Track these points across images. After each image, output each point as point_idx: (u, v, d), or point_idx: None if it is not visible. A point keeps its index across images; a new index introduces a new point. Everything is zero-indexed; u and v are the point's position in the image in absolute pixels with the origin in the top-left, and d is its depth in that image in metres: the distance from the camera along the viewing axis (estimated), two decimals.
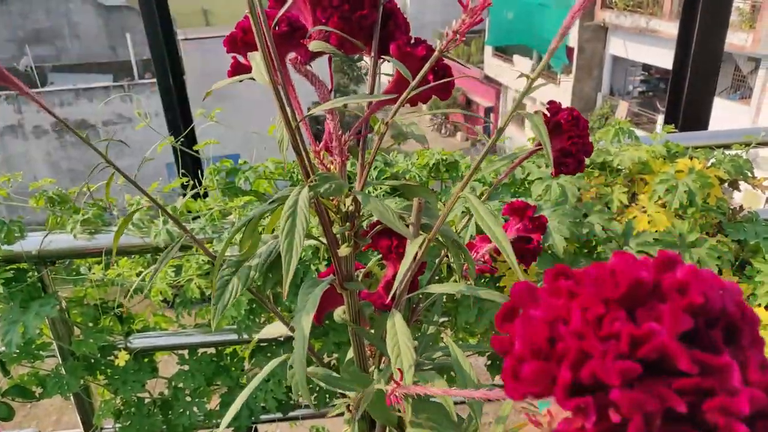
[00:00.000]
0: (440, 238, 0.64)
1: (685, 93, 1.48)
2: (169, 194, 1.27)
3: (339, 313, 0.71)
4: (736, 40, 8.99)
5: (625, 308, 0.23)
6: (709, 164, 1.21)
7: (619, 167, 1.20)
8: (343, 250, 0.63)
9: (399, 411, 0.66)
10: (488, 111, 15.12)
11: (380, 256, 0.73)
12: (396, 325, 0.57)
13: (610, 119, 12.13)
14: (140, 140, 1.13)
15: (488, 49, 14.35)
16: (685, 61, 1.46)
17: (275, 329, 0.77)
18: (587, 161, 1.20)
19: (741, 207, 1.26)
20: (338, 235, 0.63)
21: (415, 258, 0.59)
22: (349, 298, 0.67)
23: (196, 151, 1.21)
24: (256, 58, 0.56)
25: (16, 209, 1.20)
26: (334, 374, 0.66)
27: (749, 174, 1.24)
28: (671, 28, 9.91)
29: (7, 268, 1.11)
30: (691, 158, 1.19)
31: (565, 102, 12.69)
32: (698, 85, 1.46)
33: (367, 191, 0.65)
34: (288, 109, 0.55)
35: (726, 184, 1.26)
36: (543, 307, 0.24)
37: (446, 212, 0.56)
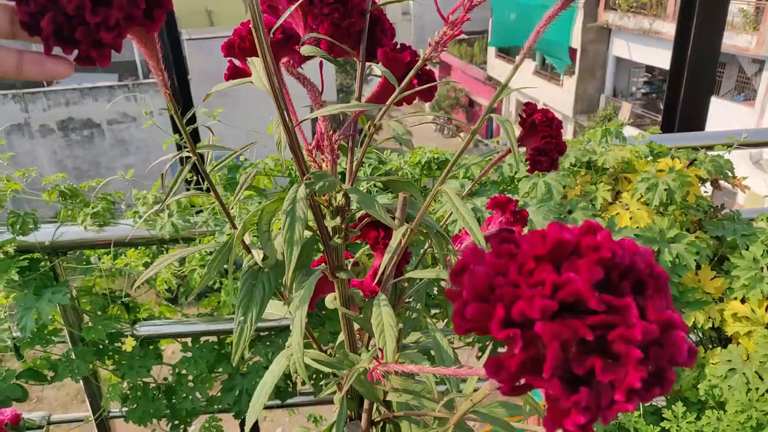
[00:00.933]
0: (424, 230, 0.70)
1: (682, 93, 1.52)
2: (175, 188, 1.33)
3: (330, 300, 0.77)
4: (740, 42, 9.02)
5: (551, 263, 0.29)
6: (689, 164, 1.27)
7: (605, 166, 1.26)
8: (335, 242, 0.69)
9: (383, 388, 0.72)
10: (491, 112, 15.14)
11: (368, 247, 0.79)
12: (381, 306, 0.63)
13: (613, 120, 12.19)
14: (144, 138, 1.19)
15: (491, 50, 14.39)
16: (682, 62, 1.50)
17: (271, 309, 0.83)
18: (573, 160, 1.25)
19: (722, 206, 1.31)
20: (330, 228, 0.69)
21: (399, 246, 0.65)
22: (340, 285, 0.72)
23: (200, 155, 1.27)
24: (255, 65, 0.62)
25: (27, 202, 1.26)
26: (327, 357, 0.72)
27: (729, 174, 1.29)
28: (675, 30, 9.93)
29: (22, 257, 1.17)
30: (672, 158, 1.24)
31: (568, 103, 12.73)
32: (695, 86, 1.50)
33: (356, 187, 0.70)
34: (285, 114, 0.61)
35: (708, 183, 1.32)
36: (487, 264, 0.30)
37: (427, 203, 0.62)
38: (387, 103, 0.64)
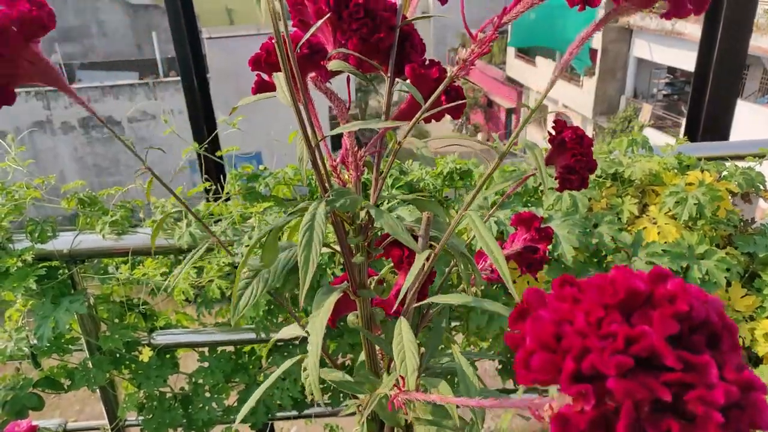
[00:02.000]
0: (449, 250, 0.68)
1: (707, 96, 1.48)
2: (194, 196, 1.32)
3: (352, 319, 0.75)
4: (764, 43, 8.84)
5: (621, 313, 0.27)
6: (720, 177, 1.23)
7: (631, 178, 1.22)
8: (357, 259, 0.67)
9: (405, 416, 0.70)
10: (510, 112, 15.06)
11: (392, 264, 0.77)
12: (402, 332, 0.60)
13: (633, 122, 12.00)
14: (165, 136, 1.18)
15: (511, 50, 14.29)
16: (707, 66, 1.45)
17: (291, 331, 0.82)
18: (599, 172, 1.22)
19: (752, 219, 1.27)
20: (352, 245, 0.67)
21: (422, 270, 0.63)
22: (362, 304, 0.70)
23: (219, 156, 1.26)
24: (280, 80, 0.60)
25: (45, 209, 1.26)
26: (347, 377, 0.70)
27: (761, 187, 1.25)
28: (698, 31, 9.78)
29: (40, 265, 1.17)
30: (702, 171, 1.20)
31: (588, 104, 12.59)
32: (721, 88, 1.46)
33: (380, 204, 0.68)
34: (309, 129, 0.59)
35: (738, 197, 1.28)
36: (550, 309, 0.28)
37: (452, 228, 0.60)
38: (412, 122, 0.62)
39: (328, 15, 0.61)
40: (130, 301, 1.31)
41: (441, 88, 0.60)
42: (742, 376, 0.27)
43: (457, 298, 0.65)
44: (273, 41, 0.62)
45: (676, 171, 1.24)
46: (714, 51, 1.43)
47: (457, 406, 0.64)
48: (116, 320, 1.29)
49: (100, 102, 10.08)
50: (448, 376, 0.89)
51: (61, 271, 1.21)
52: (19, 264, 1.13)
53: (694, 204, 1.13)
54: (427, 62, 0.66)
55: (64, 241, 1.19)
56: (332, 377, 0.68)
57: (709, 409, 0.24)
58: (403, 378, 0.60)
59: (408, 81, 0.66)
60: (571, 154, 0.71)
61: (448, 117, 0.72)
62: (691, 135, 1.55)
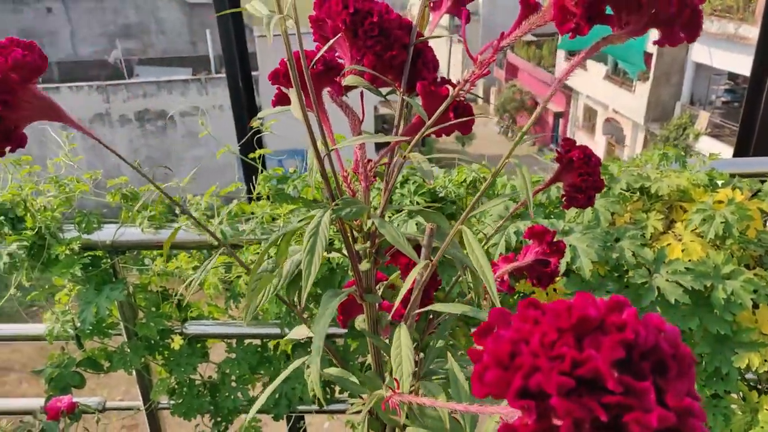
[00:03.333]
0: (451, 258, 0.70)
1: (761, 108, 1.43)
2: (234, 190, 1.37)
3: (359, 321, 0.79)
4: None
5: (574, 337, 0.29)
6: (753, 195, 1.20)
7: (659, 194, 1.21)
8: (363, 266, 0.70)
9: (398, 419, 0.73)
10: (557, 116, 14.80)
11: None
12: (401, 337, 0.64)
13: (689, 129, 11.59)
14: (213, 130, 1.24)
15: (561, 53, 14.03)
16: (764, 71, 1.40)
17: (301, 332, 0.86)
18: (624, 186, 1.22)
19: None
20: (360, 251, 0.71)
21: (421, 280, 0.66)
22: (368, 308, 0.74)
23: (253, 159, 1.32)
24: (292, 96, 0.64)
25: (92, 202, 1.35)
26: (350, 377, 0.74)
27: None
28: None
29: (85, 254, 1.25)
30: (734, 188, 1.18)
31: (640, 110, 12.23)
32: None
33: (388, 214, 0.72)
34: (319, 142, 0.63)
35: None
36: (512, 329, 0.31)
37: (448, 240, 0.63)
38: (416, 137, 0.65)
39: (344, 32, 0.65)
40: (166, 291, 1.38)
41: (443, 106, 0.63)
42: (681, 403, 0.29)
43: (457, 308, 0.68)
44: (295, 55, 0.66)
45: (705, 188, 1.22)
46: None
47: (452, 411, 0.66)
48: (152, 309, 1.37)
49: (156, 96, 10.45)
50: (447, 382, 0.92)
51: (104, 260, 1.29)
52: (67, 252, 1.21)
53: (722, 222, 1.11)
54: (438, 80, 0.69)
55: (107, 233, 1.27)
56: (334, 377, 0.71)
57: (644, 431, 0.26)
58: (398, 381, 0.63)
59: (418, 98, 0.69)
60: (578, 173, 0.73)
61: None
62: (744, 147, 1.50)
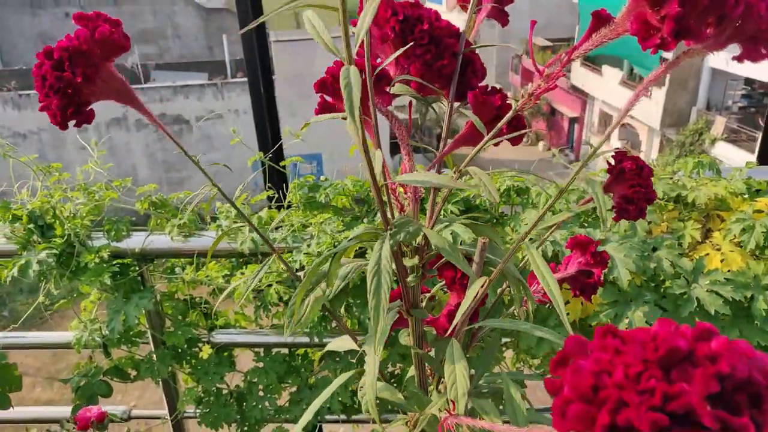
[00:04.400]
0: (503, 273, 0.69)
1: None
2: (257, 204, 1.37)
3: (403, 336, 0.77)
4: None
5: (661, 369, 0.28)
6: None
7: (695, 203, 1.19)
8: (411, 280, 0.69)
9: None
10: (573, 121, 14.72)
11: (443, 282, 0.79)
12: (454, 355, 0.62)
13: (705, 135, 11.48)
14: (229, 134, 1.24)
15: None
16: None
17: (343, 343, 0.84)
18: (660, 194, 1.19)
19: None
20: (408, 267, 0.69)
21: (475, 297, 0.64)
22: (413, 323, 0.72)
23: (283, 166, 1.31)
24: (349, 111, 0.62)
25: (122, 210, 1.35)
26: (398, 394, 0.73)
27: None
28: None
29: (114, 262, 1.25)
30: None
31: (656, 115, 12.14)
32: None
33: (437, 228, 0.70)
34: (377, 174, 0.59)
35: None
36: (591, 360, 0.29)
37: (509, 256, 0.61)
38: (474, 150, 0.63)
39: (392, 40, 0.63)
40: (193, 300, 1.38)
41: (506, 118, 0.61)
42: None
43: (510, 324, 0.66)
44: (340, 66, 0.65)
45: (744, 196, 1.19)
46: None
47: None
48: (180, 317, 1.36)
49: (172, 101, 10.53)
50: (495, 396, 0.90)
51: (132, 268, 1.29)
52: (97, 260, 1.21)
53: (762, 232, 1.09)
54: (489, 89, 0.68)
55: (136, 241, 1.27)
56: (385, 394, 0.70)
57: None
58: (453, 402, 0.61)
59: (468, 106, 0.67)
60: (630, 184, 0.71)
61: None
62: (766, 155, 1.48)
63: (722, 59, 11.23)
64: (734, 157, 10.30)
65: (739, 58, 0.43)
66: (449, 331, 0.67)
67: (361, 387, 0.68)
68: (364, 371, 1.05)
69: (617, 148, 0.74)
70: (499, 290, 0.81)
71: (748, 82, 11.86)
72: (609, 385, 0.27)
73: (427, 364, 0.78)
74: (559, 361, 0.31)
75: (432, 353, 0.77)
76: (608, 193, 0.74)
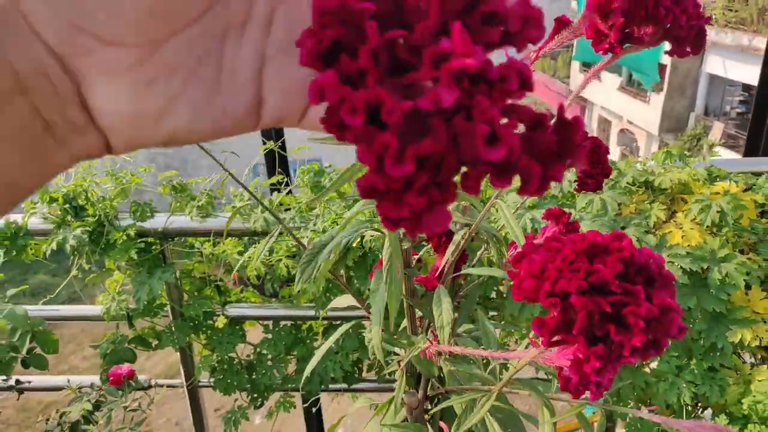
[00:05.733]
0: (483, 236, 0.83)
1: None
2: (263, 189, 1.51)
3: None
4: None
5: (587, 257, 0.41)
6: (748, 188, 1.31)
7: (662, 187, 1.32)
8: (405, 244, 0.83)
9: (440, 368, 0.85)
10: None
11: (430, 246, 0.93)
12: (440, 295, 0.76)
13: (703, 140, 11.61)
14: (232, 139, 1.38)
15: (575, 64, 14.13)
16: None
17: (344, 300, 0.98)
18: (630, 180, 1.33)
19: None
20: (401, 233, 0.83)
21: (458, 246, 0.78)
22: (406, 280, 0.86)
23: (285, 160, 1.45)
24: None
25: (145, 194, 1.49)
26: (392, 338, 0.86)
27: None
28: None
29: (139, 240, 1.39)
30: (730, 182, 1.30)
31: (654, 121, 12.28)
32: None
33: None
34: None
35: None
36: (540, 254, 0.43)
37: (485, 211, 0.75)
38: None
39: None
40: (209, 277, 1.52)
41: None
42: (663, 302, 0.41)
43: (487, 271, 0.80)
44: None
45: (705, 181, 1.33)
46: None
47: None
48: (196, 293, 1.50)
49: None
50: (477, 342, 1.03)
51: (155, 246, 1.43)
52: (124, 237, 1.35)
53: (717, 211, 1.22)
54: None
55: (158, 221, 1.41)
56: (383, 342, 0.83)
57: (636, 318, 0.38)
58: (435, 334, 0.75)
59: None
60: (589, 161, 0.85)
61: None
62: (752, 153, 1.60)
63: (720, 66, 11.39)
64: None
65: (669, 53, 0.57)
66: (435, 280, 0.81)
67: (369, 341, 0.80)
68: (361, 324, 1.19)
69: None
70: (479, 252, 0.95)
71: (746, 88, 12.00)
72: (551, 268, 0.41)
73: (417, 313, 0.92)
74: (518, 257, 0.45)
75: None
76: (572, 167, 0.88)
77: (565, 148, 0.19)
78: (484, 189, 1.39)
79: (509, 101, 0.18)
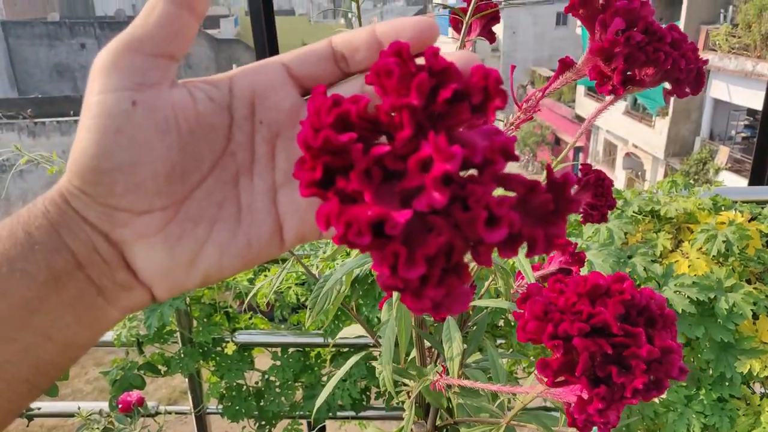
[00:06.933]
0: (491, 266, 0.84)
1: None
2: None
3: None
4: None
5: (589, 300, 0.43)
6: (753, 218, 1.32)
7: (668, 216, 1.34)
8: None
9: (449, 398, 0.86)
10: (577, 151, 14.91)
11: None
12: (450, 326, 0.77)
13: (708, 164, 11.61)
14: None
15: (580, 89, 14.24)
16: None
17: (353, 330, 1.00)
18: (636, 209, 1.35)
19: None
20: None
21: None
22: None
23: None
24: None
25: None
26: (402, 369, 0.87)
27: None
28: None
29: None
30: (736, 212, 1.31)
31: (660, 145, 12.31)
32: None
33: None
34: None
35: None
36: (543, 295, 0.44)
37: None
38: None
39: None
40: (218, 304, 1.53)
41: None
42: (664, 343, 0.43)
43: (495, 302, 0.81)
44: None
45: (710, 211, 1.34)
46: None
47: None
48: (205, 319, 1.51)
49: None
50: (486, 374, 1.04)
51: None
52: None
53: (723, 241, 1.23)
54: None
55: None
56: (396, 373, 0.84)
57: (638, 360, 0.40)
58: (444, 367, 0.76)
59: None
60: (594, 193, 0.87)
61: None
62: (757, 178, 1.61)
63: (724, 91, 11.45)
64: (738, 186, 10.42)
65: (669, 93, 0.59)
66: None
67: (380, 373, 0.81)
68: (371, 355, 1.20)
69: (584, 164, 0.90)
70: (487, 283, 0.97)
71: (751, 112, 12.04)
72: (554, 310, 0.43)
73: (426, 344, 0.93)
74: (523, 298, 0.46)
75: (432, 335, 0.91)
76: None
77: (560, 204, 0.20)
78: None
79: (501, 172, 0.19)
